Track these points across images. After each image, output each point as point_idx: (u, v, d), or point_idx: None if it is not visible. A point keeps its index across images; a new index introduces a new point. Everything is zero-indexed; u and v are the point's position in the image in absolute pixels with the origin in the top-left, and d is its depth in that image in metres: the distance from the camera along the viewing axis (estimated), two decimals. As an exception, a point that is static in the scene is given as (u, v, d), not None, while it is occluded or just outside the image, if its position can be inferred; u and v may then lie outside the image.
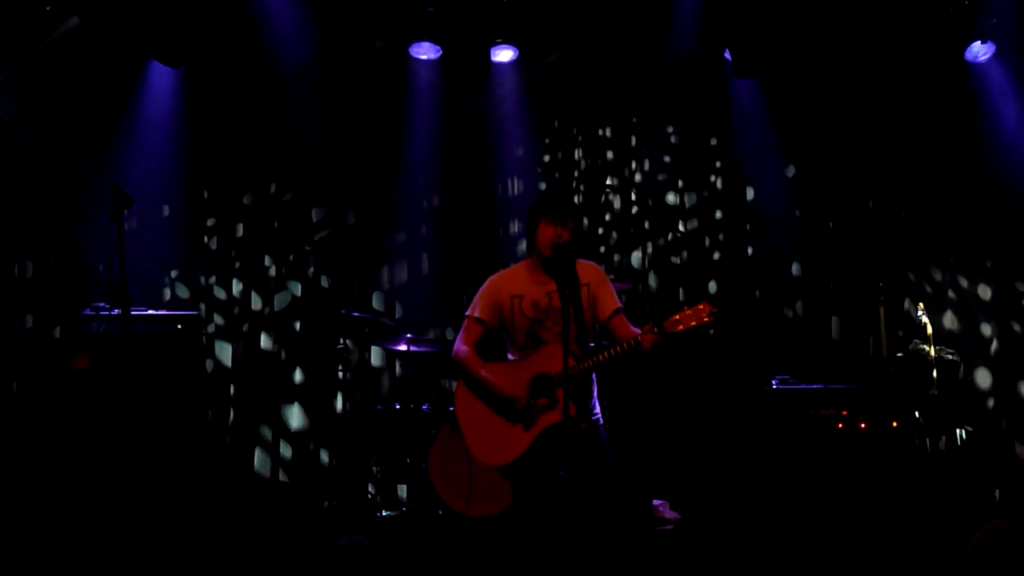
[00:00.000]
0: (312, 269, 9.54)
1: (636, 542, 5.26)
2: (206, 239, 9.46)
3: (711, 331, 9.31)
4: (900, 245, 9.39)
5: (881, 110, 9.38)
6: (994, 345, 9.16)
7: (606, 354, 5.04)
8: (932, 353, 7.80)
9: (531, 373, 5.17)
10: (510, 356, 5.40)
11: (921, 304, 8.02)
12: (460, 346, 5.36)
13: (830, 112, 9.52)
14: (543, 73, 9.72)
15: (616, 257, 9.78)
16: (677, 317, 4.99)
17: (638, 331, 5.12)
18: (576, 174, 10.00)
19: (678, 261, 9.80)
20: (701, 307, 4.99)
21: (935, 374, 7.79)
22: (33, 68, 8.87)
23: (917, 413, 7.81)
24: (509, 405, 5.17)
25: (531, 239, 5.37)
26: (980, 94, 9.18)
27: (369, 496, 8.23)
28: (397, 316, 9.57)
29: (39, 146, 8.97)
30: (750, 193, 9.82)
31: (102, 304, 7.50)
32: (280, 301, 9.46)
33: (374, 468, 8.32)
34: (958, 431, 7.93)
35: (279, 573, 6.55)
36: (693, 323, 4.98)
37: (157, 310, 7.91)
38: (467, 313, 5.41)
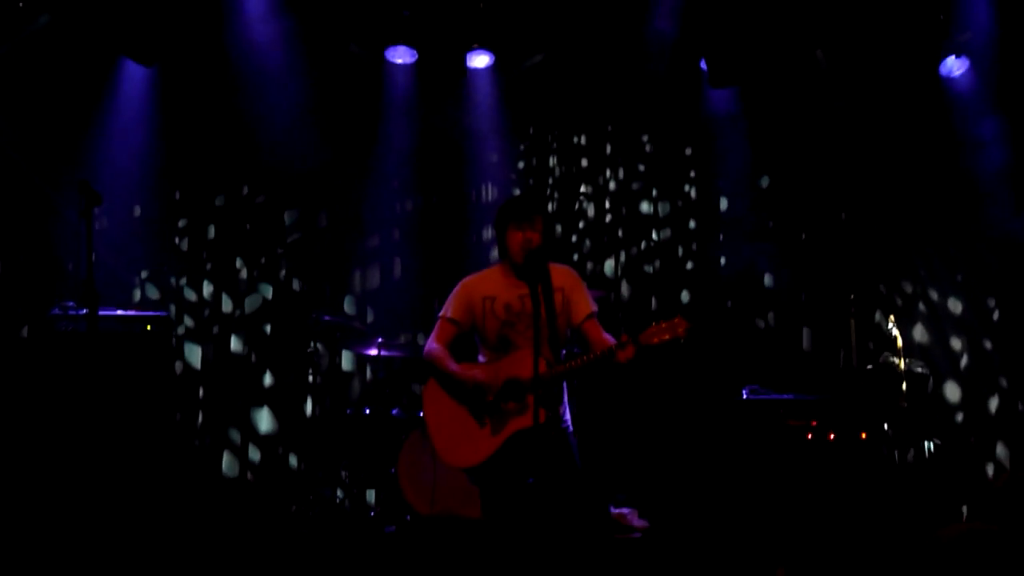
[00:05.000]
0: (284, 272, 9.48)
1: (597, 549, 5.20)
2: (177, 240, 9.38)
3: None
4: (871, 257, 9.42)
5: (855, 123, 9.41)
6: (964, 360, 9.20)
7: (579, 361, 4.99)
8: (902, 365, 7.83)
9: (502, 377, 5.12)
10: (481, 359, 5.37)
11: (892, 316, 8.04)
12: (432, 344, 5.31)
13: (805, 124, 9.55)
14: (519, 79, 9.69)
15: (589, 265, 9.75)
16: (652, 330, 4.92)
17: (610, 337, 5.08)
18: (550, 181, 9.97)
19: (651, 270, 9.79)
20: (676, 321, 4.91)
21: (904, 386, 7.82)
22: (3, 64, 8.76)
23: (886, 425, 7.83)
24: (480, 396, 5.09)
25: (502, 246, 5.32)
26: (954, 109, 9.22)
27: (337, 501, 8.17)
28: (368, 320, 9.52)
29: (9, 143, 8.86)
30: (724, 203, 9.83)
31: (70, 303, 7.42)
32: (251, 304, 9.39)
33: (343, 473, 8.27)
34: (926, 444, 7.96)
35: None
36: (667, 336, 4.91)
37: (126, 310, 7.81)
38: (440, 313, 5.38)
